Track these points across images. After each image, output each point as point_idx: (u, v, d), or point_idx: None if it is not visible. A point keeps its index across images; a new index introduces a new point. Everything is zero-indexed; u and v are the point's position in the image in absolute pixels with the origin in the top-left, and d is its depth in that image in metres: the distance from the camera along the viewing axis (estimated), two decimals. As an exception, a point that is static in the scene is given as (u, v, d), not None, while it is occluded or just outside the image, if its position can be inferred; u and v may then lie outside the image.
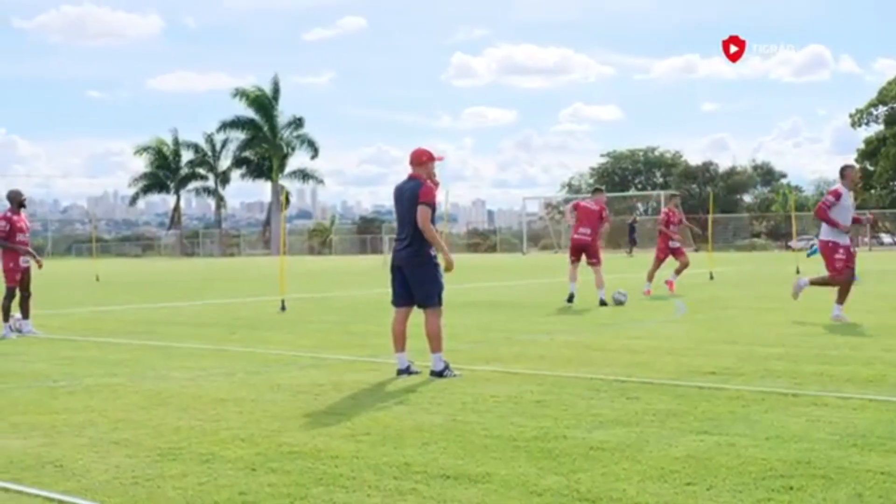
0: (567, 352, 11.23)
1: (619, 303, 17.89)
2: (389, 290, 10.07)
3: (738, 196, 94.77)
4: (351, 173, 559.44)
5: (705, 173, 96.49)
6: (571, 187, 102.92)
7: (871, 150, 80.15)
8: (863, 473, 5.55)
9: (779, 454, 6.03)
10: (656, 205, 78.29)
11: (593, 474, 5.68)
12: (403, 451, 6.37)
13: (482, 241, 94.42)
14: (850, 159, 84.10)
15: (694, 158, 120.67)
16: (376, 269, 42.86)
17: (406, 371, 9.78)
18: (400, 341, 9.89)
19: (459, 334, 13.21)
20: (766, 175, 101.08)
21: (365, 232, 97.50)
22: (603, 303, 17.84)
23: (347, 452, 6.35)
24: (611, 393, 8.41)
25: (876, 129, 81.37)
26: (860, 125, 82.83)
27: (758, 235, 76.05)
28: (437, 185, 10.01)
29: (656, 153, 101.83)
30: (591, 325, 14.58)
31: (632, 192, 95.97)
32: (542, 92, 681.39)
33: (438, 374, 9.58)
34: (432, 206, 9.75)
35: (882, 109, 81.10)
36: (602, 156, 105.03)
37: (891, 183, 79.16)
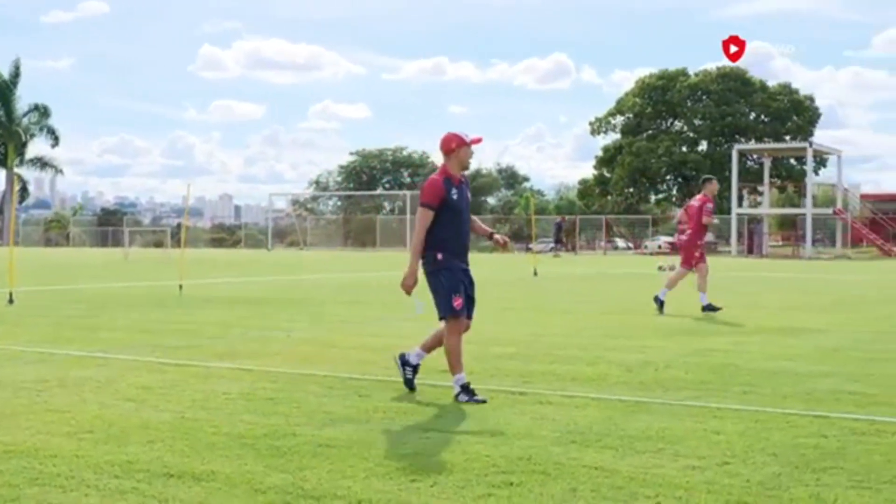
0: (304, 349, 11.20)
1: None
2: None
3: (483, 198, 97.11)
4: (92, 163, 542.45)
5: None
6: (319, 185, 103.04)
7: (608, 158, 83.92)
8: (578, 469, 5.75)
9: (502, 451, 6.18)
10: (402, 204, 79.18)
11: (319, 472, 5.67)
12: (127, 449, 6.19)
13: (228, 236, 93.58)
14: (589, 166, 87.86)
15: (440, 160, 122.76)
16: (116, 262, 41.69)
17: (457, 396, 8.00)
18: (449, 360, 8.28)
19: (196, 330, 13.00)
20: (510, 178, 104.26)
21: (106, 224, 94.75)
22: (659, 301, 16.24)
23: (67, 451, 6.12)
24: (344, 390, 8.44)
25: (613, 137, 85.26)
26: (599, 133, 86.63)
27: (500, 237, 78.03)
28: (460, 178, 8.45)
29: (404, 153, 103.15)
30: (331, 322, 14.59)
31: (379, 191, 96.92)
32: (292, 88, 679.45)
33: (457, 397, 8.02)
34: (428, 206, 8.14)
35: (619, 119, 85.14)
36: (351, 154, 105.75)
37: (626, 190, 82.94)
